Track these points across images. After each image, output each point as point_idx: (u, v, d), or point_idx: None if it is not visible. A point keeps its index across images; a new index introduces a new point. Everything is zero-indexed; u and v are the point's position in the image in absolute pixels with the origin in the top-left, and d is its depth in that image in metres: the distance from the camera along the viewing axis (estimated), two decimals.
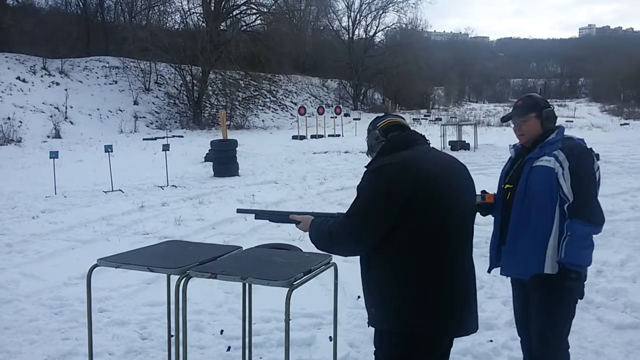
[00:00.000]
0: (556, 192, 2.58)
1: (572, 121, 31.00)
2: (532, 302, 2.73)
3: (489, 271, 2.93)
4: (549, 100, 2.90)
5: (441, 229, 2.10)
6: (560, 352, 2.72)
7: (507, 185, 2.77)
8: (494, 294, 4.56)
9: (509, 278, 2.89)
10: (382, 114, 2.44)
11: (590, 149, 2.71)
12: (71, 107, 22.20)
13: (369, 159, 2.37)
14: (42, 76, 23.67)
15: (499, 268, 2.83)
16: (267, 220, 2.65)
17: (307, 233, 2.37)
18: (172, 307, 2.80)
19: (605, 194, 8.57)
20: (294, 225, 2.61)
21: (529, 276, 2.64)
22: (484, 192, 2.84)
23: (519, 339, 2.95)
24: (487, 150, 15.85)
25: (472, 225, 2.29)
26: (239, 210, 2.89)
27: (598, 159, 2.64)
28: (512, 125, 2.86)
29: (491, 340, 3.70)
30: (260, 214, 2.66)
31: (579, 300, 2.52)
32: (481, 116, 35.68)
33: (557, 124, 2.78)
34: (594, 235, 2.67)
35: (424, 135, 2.33)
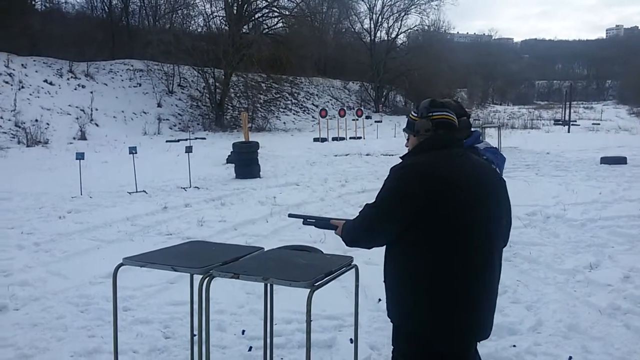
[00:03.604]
0: None
1: (599, 124, 30.47)
2: None
3: None
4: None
5: (459, 234, 2.09)
6: None
7: None
8: (518, 298, 4.50)
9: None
10: (441, 102, 2.34)
11: (489, 159, 2.72)
12: (96, 110, 22.63)
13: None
14: (68, 79, 24.17)
15: None
16: (313, 226, 2.77)
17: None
18: (195, 306, 2.83)
19: (632, 198, 8.42)
20: (312, 227, 2.77)
21: None
22: None
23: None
24: (511, 153, 15.64)
25: (499, 232, 2.25)
26: (290, 215, 3.05)
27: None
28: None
29: (514, 346, 3.66)
30: (307, 220, 2.79)
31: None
32: (505, 118, 35.31)
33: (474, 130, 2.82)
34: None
35: (460, 138, 2.32)
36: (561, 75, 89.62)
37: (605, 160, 12.88)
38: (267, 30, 30.58)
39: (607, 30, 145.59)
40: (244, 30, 29.22)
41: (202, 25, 31.28)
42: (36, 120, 19.66)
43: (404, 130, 2.39)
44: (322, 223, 2.69)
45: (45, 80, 23.02)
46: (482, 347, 3.29)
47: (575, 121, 31.27)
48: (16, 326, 4.07)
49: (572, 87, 41.87)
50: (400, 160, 2.25)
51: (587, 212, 7.50)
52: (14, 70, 22.05)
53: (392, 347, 2.34)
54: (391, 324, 2.31)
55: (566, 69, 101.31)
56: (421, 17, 53.51)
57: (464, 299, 2.11)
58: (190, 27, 31.78)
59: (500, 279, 2.30)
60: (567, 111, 28.65)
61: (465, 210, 2.09)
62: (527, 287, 4.72)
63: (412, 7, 42.77)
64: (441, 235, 2.07)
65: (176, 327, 4.05)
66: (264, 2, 29.74)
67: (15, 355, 3.60)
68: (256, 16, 30.28)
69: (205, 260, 2.74)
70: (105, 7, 32.19)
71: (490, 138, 17.72)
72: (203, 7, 35.74)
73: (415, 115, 2.31)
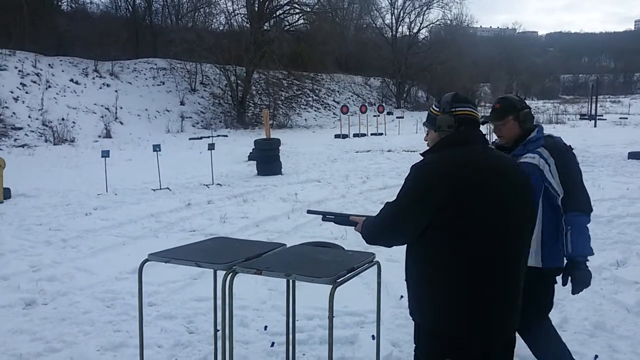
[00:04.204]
0: (540, 187, 2.73)
1: (626, 118, 29.78)
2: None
3: None
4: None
5: (482, 232, 2.05)
6: (549, 331, 2.91)
7: None
8: None
9: None
10: (464, 97, 2.28)
11: (570, 145, 2.88)
12: (121, 108, 22.97)
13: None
14: (93, 78, 24.57)
15: None
16: (332, 222, 2.74)
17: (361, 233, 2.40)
18: (218, 302, 2.87)
19: None
20: (332, 224, 2.75)
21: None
22: None
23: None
24: None
25: (522, 230, 2.19)
26: (309, 212, 3.03)
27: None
28: (492, 127, 2.99)
29: None
30: (326, 216, 2.77)
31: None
32: None
33: (536, 123, 2.95)
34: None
35: (484, 135, 2.28)
36: (587, 69, 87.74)
37: (633, 155, 12.59)
38: (288, 27, 30.62)
39: (635, 22, 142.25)
40: (265, 28, 29.31)
41: (223, 23, 31.55)
42: (63, 119, 20.05)
43: (424, 124, 2.35)
44: (341, 219, 2.67)
45: (72, 80, 23.45)
46: None
47: (602, 115, 30.62)
48: (45, 320, 4.18)
49: (599, 81, 41.04)
50: (421, 158, 2.23)
51: (614, 208, 7.35)
52: (41, 70, 22.52)
53: (414, 345, 2.33)
54: (413, 321, 2.30)
55: (592, 62, 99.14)
56: (443, 11, 53.16)
57: (486, 297, 2.08)
58: (212, 25, 32.10)
59: (524, 275, 2.26)
60: (594, 105, 28.06)
61: (488, 207, 2.05)
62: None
63: (434, 1, 42.43)
64: (463, 234, 2.04)
65: (200, 323, 4.11)
66: None
67: (44, 349, 3.69)
68: (277, 13, 30.34)
69: (228, 256, 2.77)
70: (129, 7, 32.63)
71: None
72: (225, 5, 36.14)
73: (437, 109, 2.26)
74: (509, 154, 2.78)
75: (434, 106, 2.30)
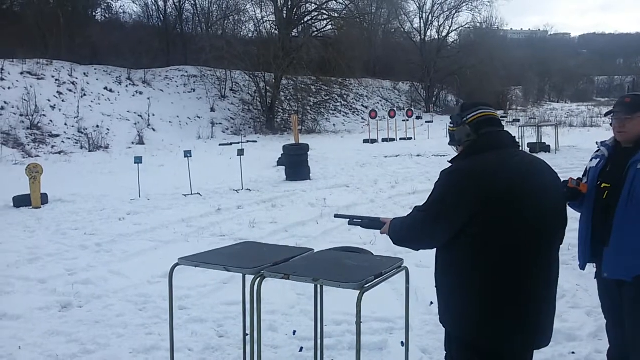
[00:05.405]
0: None
1: None
2: (627, 305, 2.64)
3: (582, 268, 2.83)
4: None
5: (513, 239, 2.02)
6: None
7: (603, 185, 2.69)
8: (577, 303, 4.33)
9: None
10: (471, 103, 2.30)
11: None
12: (153, 115, 23.44)
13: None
14: (127, 86, 25.16)
15: (587, 264, 2.78)
16: (359, 226, 2.72)
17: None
18: (247, 306, 2.89)
19: None
20: (360, 227, 2.72)
21: (631, 277, 2.57)
22: (579, 179, 2.78)
23: (603, 351, 2.85)
24: (569, 153, 15.06)
25: (555, 234, 2.16)
26: (336, 216, 3.06)
27: None
28: (612, 121, 2.77)
29: (573, 352, 3.52)
30: (353, 220, 2.76)
31: None
32: (563, 116, 34.02)
33: None
34: None
35: (514, 137, 2.25)
36: (623, 71, 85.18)
37: None
38: (316, 33, 30.79)
39: None
40: (293, 34, 29.55)
41: (252, 30, 32.00)
42: (97, 126, 20.58)
43: (449, 144, 2.35)
44: (368, 222, 2.66)
45: (106, 88, 24.06)
46: (539, 353, 3.17)
47: None
48: (80, 323, 4.28)
49: (635, 82, 39.85)
50: (450, 164, 2.21)
51: None
52: (77, 79, 23.18)
53: (444, 352, 2.30)
54: (444, 328, 2.27)
55: (628, 63, 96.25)
56: (473, 15, 52.28)
57: (518, 304, 2.05)
58: (242, 33, 32.54)
59: (558, 282, 2.22)
60: None
61: (518, 213, 2.02)
62: (587, 291, 4.53)
63: (464, 4, 42.05)
64: (494, 240, 2.01)
65: (229, 327, 4.14)
66: (313, 5, 29.99)
67: (79, 350, 3.78)
68: (305, 19, 30.57)
69: (256, 261, 2.78)
70: (161, 16, 33.31)
71: (548, 137, 17.13)
72: (254, 13, 36.42)
73: (452, 125, 2.28)
74: (631, 160, 2.61)
75: (449, 124, 2.32)
